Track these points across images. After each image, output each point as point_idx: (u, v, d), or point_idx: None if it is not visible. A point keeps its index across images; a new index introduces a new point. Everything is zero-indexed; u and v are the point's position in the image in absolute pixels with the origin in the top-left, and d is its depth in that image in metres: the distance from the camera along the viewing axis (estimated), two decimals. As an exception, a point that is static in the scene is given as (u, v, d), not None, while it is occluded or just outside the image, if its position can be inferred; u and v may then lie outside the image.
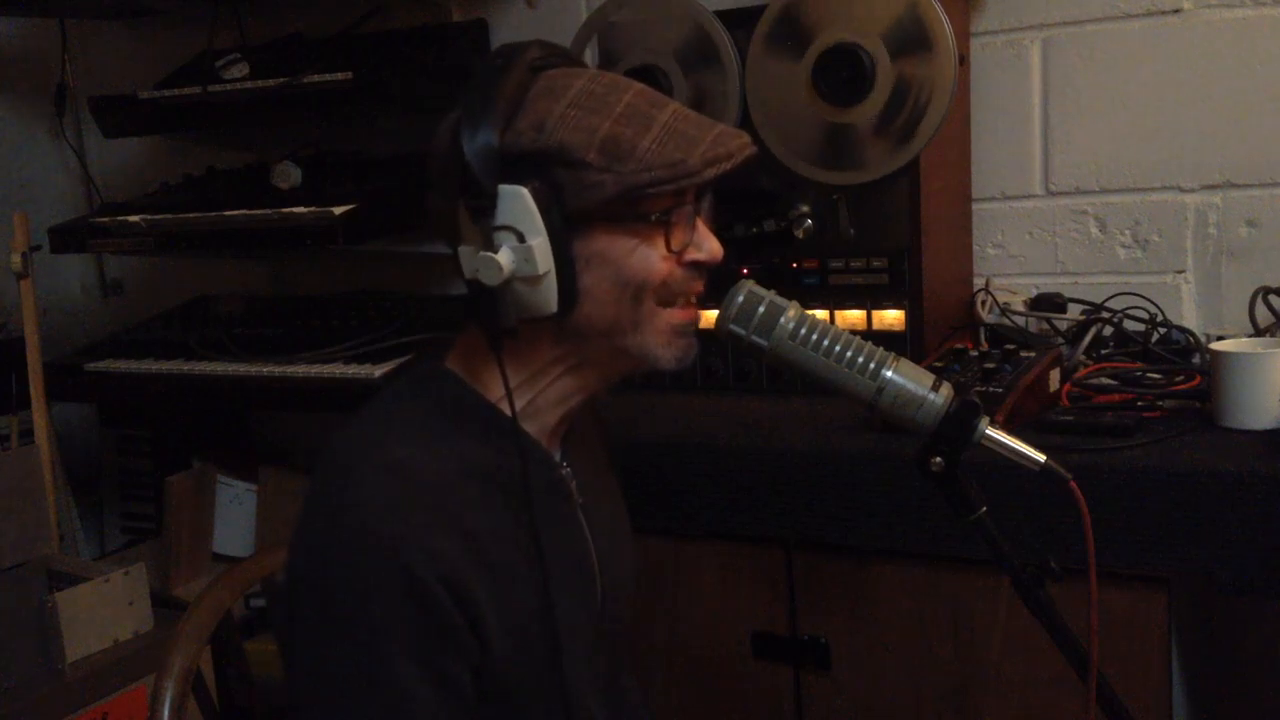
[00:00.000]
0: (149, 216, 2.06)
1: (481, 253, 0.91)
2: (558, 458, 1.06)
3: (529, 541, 0.97)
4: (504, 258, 0.91)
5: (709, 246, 1.00)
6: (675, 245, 0.97)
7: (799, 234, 1.66)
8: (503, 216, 0.91)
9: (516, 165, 0.91)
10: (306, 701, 0.92)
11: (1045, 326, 1.75)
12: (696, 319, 1.02)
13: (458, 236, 0.94)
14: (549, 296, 0.93)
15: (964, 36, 1.78)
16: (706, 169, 0.93)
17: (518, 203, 0.91)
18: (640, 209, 0.95)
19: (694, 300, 1.02)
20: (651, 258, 0.96)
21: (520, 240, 0.91)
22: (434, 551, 0.89)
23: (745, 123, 1.67)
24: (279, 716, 1.48)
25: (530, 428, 1.01)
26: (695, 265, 1.00)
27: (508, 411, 0.96)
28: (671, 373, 1.02)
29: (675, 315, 1.00)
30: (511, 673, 0.96)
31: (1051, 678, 1.33)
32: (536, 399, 1.01)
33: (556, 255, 0.92)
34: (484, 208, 0.91)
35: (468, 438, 0.97)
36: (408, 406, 0.99)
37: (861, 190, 1.63)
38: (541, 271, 0.92)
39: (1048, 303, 1.78)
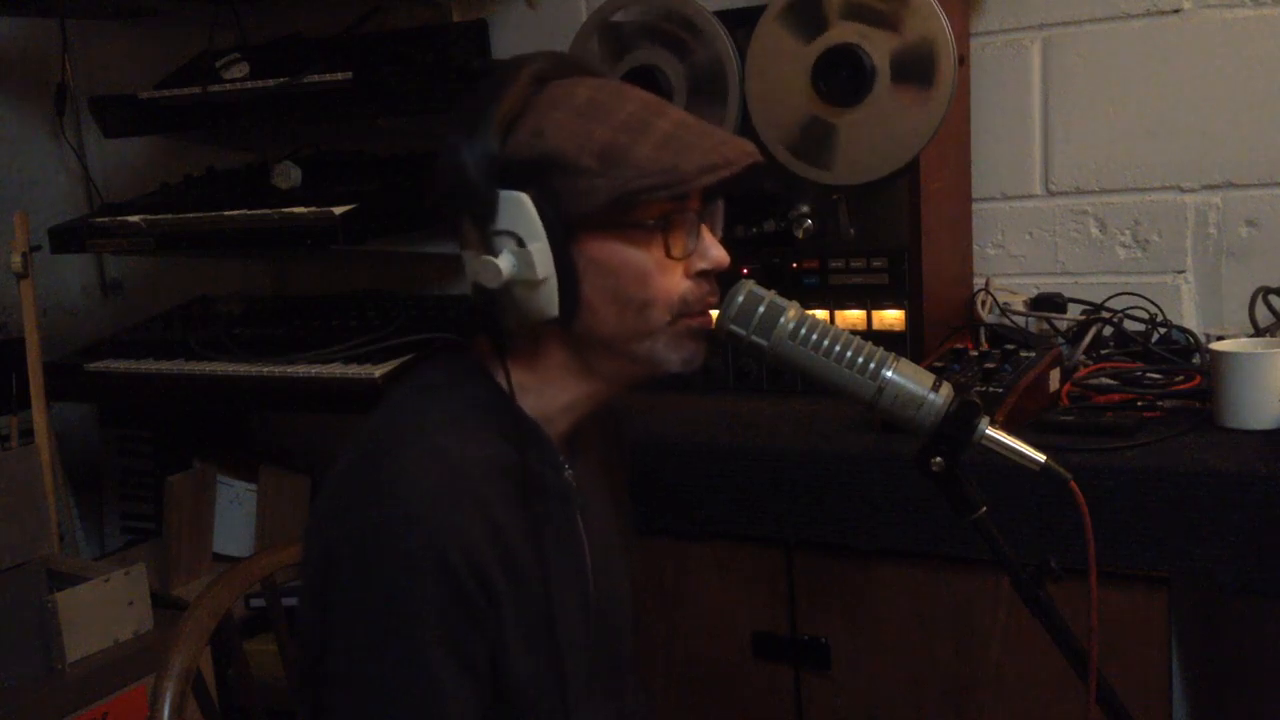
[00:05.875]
0: (149, 216, 2.07)
1: (483, 256, 0.93)
2: (562, 460, 1.06)
3: (537, 541, 0.98)
4: (504, 261, 0.93)
5: (713, 255, 1.00)
6: (676, 252, 0.97)
7: (799, 234, 1.66)
8: (503, 221, 0.93)
9: (516, 172, 0.93)
10: (338, 677, 0.93)
11: (1045, 326, 1.75)
12: (709, 323, 1.02)
13: (462, 242, 0.97)
14: (550, 301, 0.95)
15: (964, 36, 1.78)
16: (701, 175, 0.94)
17: (518, 208, 0.93)
18: (637, 215, 0.95)
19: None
20: (651, 268, 0.97)
21: (520, 245, 0.93)
22: (469, 541, 0.91)
23: (745, 122, 1.67)
24: (279, 717, 1.49)
25: (544, 430, 1.03)
26: (703, 274, 1.00)
27: (515, 408, 0.98)
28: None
29: (692, 320, 1.00)
30: (517, 669, 0.97)
31: (1051, 678, 1.33)
32: (547, 404, 1.02)
33: (556, 260, 0.93)
34: (484, 213, 0.93)
35: (495, 435, 0.98)
36: (444, 398, 1.00)
37: (861, 190, 1.63)
38: (541, 276, 0.93)
39: (1048, 303, 1.78)
